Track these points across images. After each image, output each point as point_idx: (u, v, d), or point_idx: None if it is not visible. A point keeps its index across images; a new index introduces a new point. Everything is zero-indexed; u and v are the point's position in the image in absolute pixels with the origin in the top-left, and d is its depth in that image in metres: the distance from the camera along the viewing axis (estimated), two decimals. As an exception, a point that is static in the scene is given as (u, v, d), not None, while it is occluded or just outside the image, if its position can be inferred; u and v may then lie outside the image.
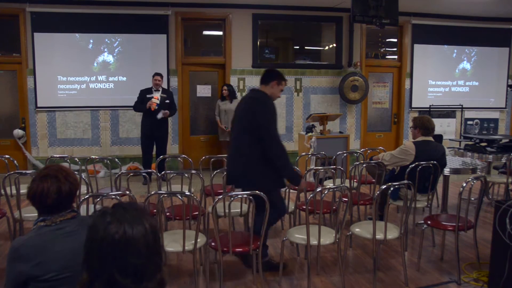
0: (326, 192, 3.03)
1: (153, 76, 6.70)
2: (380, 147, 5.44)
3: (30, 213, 3.69)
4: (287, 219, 4.39)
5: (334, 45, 8.36)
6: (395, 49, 8.82)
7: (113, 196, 3.05)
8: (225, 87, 7.35)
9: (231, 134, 3.91)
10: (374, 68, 8.68)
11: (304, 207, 3.69)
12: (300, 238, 3.24)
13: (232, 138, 3.61)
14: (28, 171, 3.83)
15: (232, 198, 3.13)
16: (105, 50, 7.58)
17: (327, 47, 8.62)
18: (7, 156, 4.66)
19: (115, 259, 1.15)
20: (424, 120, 4.15)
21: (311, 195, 2.98)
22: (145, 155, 6.79)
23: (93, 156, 4.72)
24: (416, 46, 8.65)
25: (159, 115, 6.59)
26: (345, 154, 5.20)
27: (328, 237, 3.24)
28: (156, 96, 6.58)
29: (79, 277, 1.22)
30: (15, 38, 7.32)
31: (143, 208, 1.29)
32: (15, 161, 4.60)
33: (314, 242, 3.14)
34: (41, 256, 1.65)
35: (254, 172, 3.31)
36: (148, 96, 6.61)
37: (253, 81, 7.99)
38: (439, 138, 5.87)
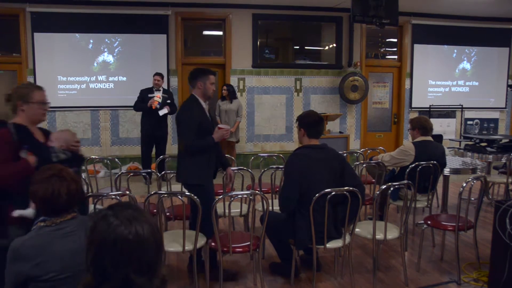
0: (333, 193, 3.00)
1: (153, 76, 6.71)
2: (380, 147, 5.44)
3: (30, 213, 3.68)
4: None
5: (334, 45, 8.36)
6: (395, 49, 8.82)
7: (113, 196, 3.05)
8: (225, 87, 7.35)
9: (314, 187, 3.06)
10: (374, 68, 8.68)
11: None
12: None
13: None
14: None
15: (232, 198, 3.13)
16: (105, 50, 7.58)
17: (327, 47, 8.62)
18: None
19: (130, 258, 1.16)
20: (422, 120, 4.17)
21: (316, 195, 2.96)
22: (144, 155, 6.78)
23: (93, 156, 4.72)
24: (416, 46, 8.65)
25: (162, 111, 6.59)
26: (345, 154, 5.19)
27: (336, 240, 3.22)
28: (158, 95, 6.61)
29: (79, 278, 1.22)
30: (15, 38, 7.32)
31: (140, 207, 1.29)
32: (15, 161, 4.59)
33: (321, 245, 3.14)
34: (41, 256, 1.65)
35: None
36: (149, 95, 6.61)
37: (253, 81, 7.99)
38: (439, 138, 5.88)
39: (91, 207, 3.18)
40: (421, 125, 4.12)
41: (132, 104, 6.75)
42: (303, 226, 3.09)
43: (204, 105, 3.42)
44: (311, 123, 3.23)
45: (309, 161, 3.12)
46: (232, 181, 3.70)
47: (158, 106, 6.51)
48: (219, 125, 3.41)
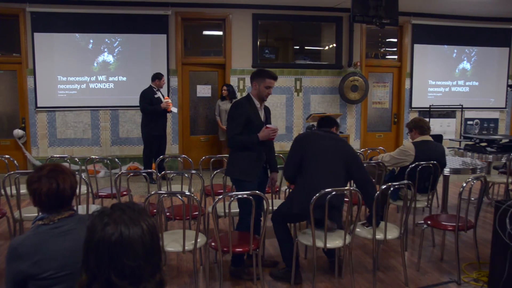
0: (333, 193, 2.99)
1: (161, 78, 6.65)
2: (380, 147, 5.44)
3: (30, 213, 3.69)
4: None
5: (334, 45, 8.36)
6: (395, 49, 8.81)
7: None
8: (224, 87, 7.35)
9: (314, 164, 3.26)
10: (374, 68, 8.68)
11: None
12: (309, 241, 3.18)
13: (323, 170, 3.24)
14: (28, 171, 3.83)
15: (232, 198, 3.13)
16: (105, 50, 7.58)
17: (327, 47, 8.62)
18: (7, 156, 4.66)
19: (111, 261, 1.15)
20: (416, 120, 4.20)
21: (316, 195, 2.96)
22: (150, 155, 6.70)
23: (93, 156, 4.71)
24: (416, 46, 8.65)
25: (175, 110, 6.98)
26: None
27: (336, 240, 3.21)
28: (167, 97, 6.73)
29: (78, 276, 1.22)
30: (15, 38, 7.32)
31: (141, 208, 1.28)
32: (15, 161, 4.60)
33: (320, 244, 3.13)
34: (39, 255, 1.65)
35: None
36: (155, 96, 6.61)
37: (253, 81, 7.98)
38: (439, 138, 5.87)
39: (91, 207, 3.18)
40: (417, 124, 4.14)
41: (131, 103, 6.74)
42: (301, 187, 3.24)
43: (258, 106, 3.46)
44: (322, 118, 3.75)
45: (312, 135, 3.44)
46: (275, 186, 3.81)
47: (172, 107, 6.76)
48: (267, 125, 3.41)
